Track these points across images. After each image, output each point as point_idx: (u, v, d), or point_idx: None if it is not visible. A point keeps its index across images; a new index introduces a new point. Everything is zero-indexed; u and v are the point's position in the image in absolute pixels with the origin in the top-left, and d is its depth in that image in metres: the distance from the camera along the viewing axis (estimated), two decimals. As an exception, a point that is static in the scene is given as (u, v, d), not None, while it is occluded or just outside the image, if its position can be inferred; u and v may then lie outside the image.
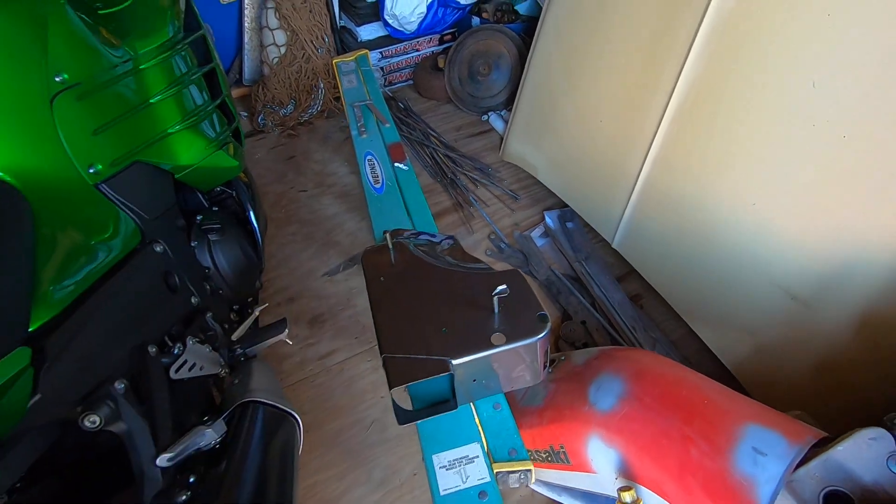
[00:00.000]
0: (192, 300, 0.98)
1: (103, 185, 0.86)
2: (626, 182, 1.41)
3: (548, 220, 1.84)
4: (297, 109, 2.47)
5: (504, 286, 0.70)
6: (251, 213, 1.27)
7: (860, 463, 0.68)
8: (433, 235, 0.94)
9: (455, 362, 0.66)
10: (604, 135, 1.47)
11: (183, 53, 1.12)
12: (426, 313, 0.73)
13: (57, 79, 0.81)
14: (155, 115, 1.04)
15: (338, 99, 2.54)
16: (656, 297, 1.53)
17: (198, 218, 1.14)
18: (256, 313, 1.16)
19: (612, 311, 1.51)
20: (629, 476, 0.83)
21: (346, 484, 1.22)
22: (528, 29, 2.45)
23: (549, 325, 0.70)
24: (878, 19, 0.86)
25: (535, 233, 1.82)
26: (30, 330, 0.58)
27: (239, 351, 1.02)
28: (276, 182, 2.17)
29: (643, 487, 0.81)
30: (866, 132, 0.90)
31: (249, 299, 1.27)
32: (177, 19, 1.15)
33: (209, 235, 1.12)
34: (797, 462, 0.72)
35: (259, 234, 1.28)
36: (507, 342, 0.68)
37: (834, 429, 0.75)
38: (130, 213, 0.90)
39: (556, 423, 0.94)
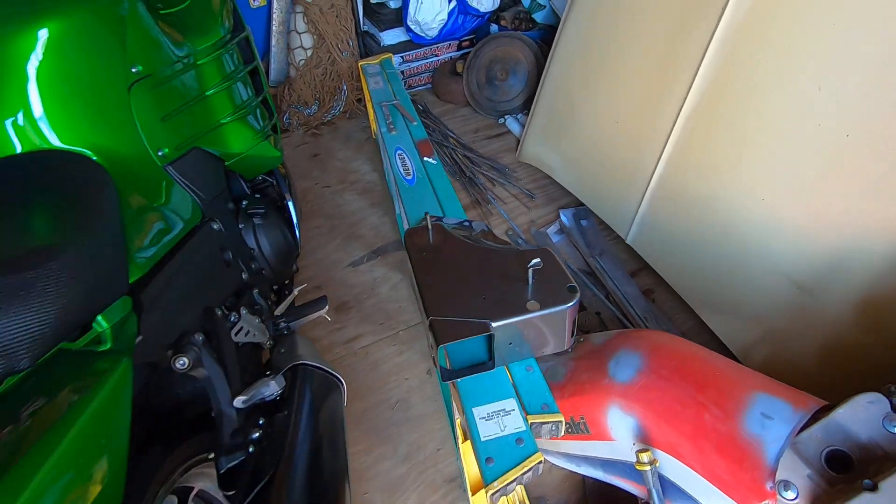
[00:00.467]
0: (243, 276, 1.06)
1: (169, 166, 0.96)
2: (642, 180, 1.49)
3: (563, 217, 1.92)
4: (321, 110, 2.57)
5: (538, 259, 0.78)
6: (290, 201, 1.36)
7: (858, 424, 0.75)
8: (468, 221, 1.02)
9: (495, 324, 0.74)
10: (620, 135, 1.56)
11: (232, 52, 1.22)
12: (466, 284, 0.81)
13: (133, 70, 0.91)
14: (210, 107, 1.13)
15: (360, 100, 2.64)
16: (667, 292, 1.60)
17: (243, 203, 1.23)
18: (296, 292, 1.24)
19: (625, 304, 1.58)
20: (646, 440, 0.90)
21: (373, 458, 1.29)
22: (544, 37, 2.55)
23: (578, 295, 0.78)
24: (878, 30, 0.94)
25: (551, 230, 1.90)
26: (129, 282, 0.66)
27: (283, 324, 1.10)
28: (301, 178, 2.26)
29: (659, 450, 0.88)
30: (867, 132, 0.98)
31: (286, 282, 1.36)
32: (227, 20, 1.25)
33: (254, 219, 1.21)
34: (801, 426, 0.79)
35: (296, 220, 1.37)
36: (541, 309, 0.76)
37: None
38: (192, 193, 0.99)
39: (577, 396, 1.01)
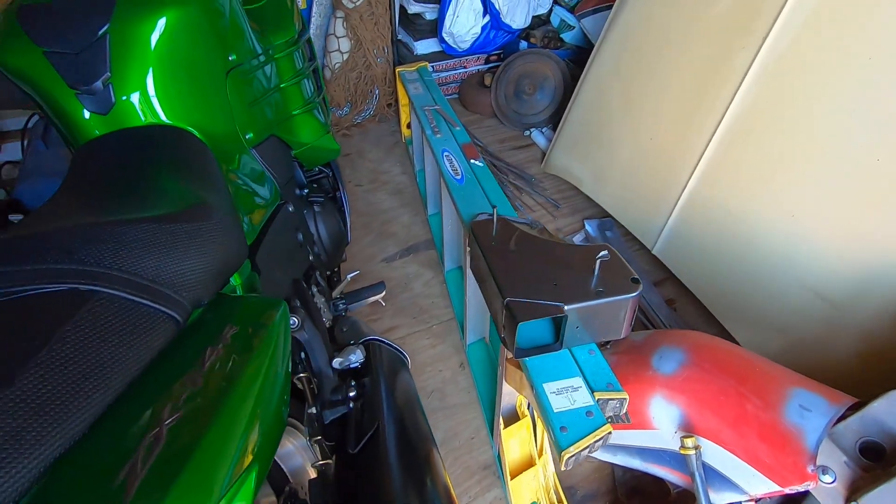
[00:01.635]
0: (310, 257, 1.13)
1: (254, 149, 1.03)
2: (672, 194, 1.58)
3: (588, 228, 2.00)
4: (353, 112, 2.65)
5: (605, 252, 0.86)
6: (343, 192, 1.43)
7: (892, 417, 0.82)
8: (526, 219, 1.10)
9: (568, 307, 0.80)
10: (654, 151, 1.65)
11: (302, 50, 1.30)
12: (536, 271, 0.88)
13: (230, 58, 0.98)
14: (285, 99, 1.21)
15: (390, 105, 2.73)
16: (689, 302, 1.68)
17: (304, 191, 1.30)
18: (348, 278, 1.31)
19: (649, 310, 1.66)
20: (688, 428, 0.97)
21: (411, 441, 1.34)
22: (572, 56, 2.66)
23: (641, 286, 0.85)
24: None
25: (577, 238, 1.98)
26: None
27: (342, 305, 1.17)
28: (334, 176, 2.33)
29: (701, 438, 0.95)
30: (893, 157, 1.07)
31: (336, 269, 1.42)
32: (298, 20, 1.34)
33: (314, 206, 1.28)
34: (837, 418, 0.86)
35: (347, 211, 1.44)
36: (608, 296, 0.83)
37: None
38: (271, 175, 1.06)
39: (620, 386, 1.08)
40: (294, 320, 0.71)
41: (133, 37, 0.82)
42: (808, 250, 1.25)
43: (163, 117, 0.85)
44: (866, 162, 1.12)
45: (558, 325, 0.85)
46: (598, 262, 0.85)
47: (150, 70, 0.83)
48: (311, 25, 2.69)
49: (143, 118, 0.84)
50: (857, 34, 1.11)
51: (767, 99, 1.29)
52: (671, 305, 1.72)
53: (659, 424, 1.01)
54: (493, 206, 0.97)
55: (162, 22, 0.85)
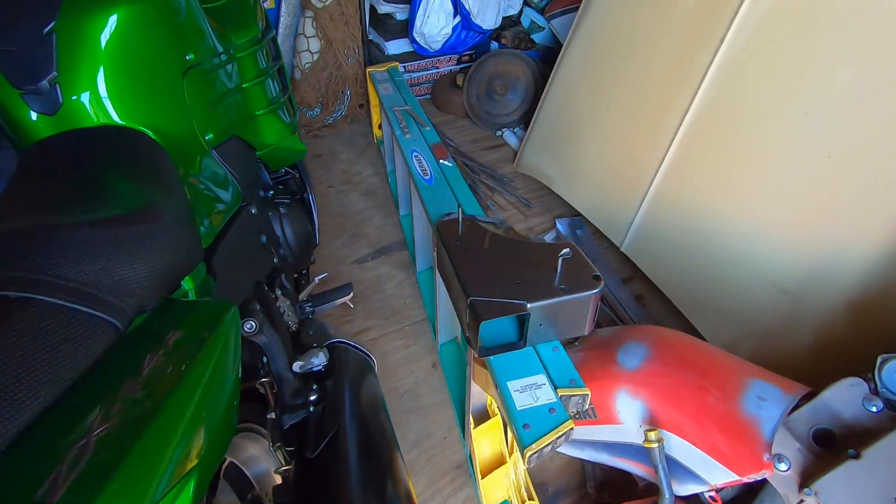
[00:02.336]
0: (274, 259, 1.11)
1: (214, 150, 1.01)
2: (639, 192, 1.61)
3: (559, 226, 2.03)
4: (324, 112, 2.62)
5: (567, 249, 0.87)
6: (310, 193, 1.42)
7: (842, 404, 0.86)
8: (492, 218, 1.10)
9: (531, 305, 0.81)
10: (621, 149, 1.67)
11: (265, 49, 1.28)
12: (500, 269, 0.89)
13: (187, 57, 0.96)
14: (247, 99, 1.19)
15: (362, 106, 2.71)
16: (657, 298, 1.71)
17: (269, 192, 1.28)
18: (316, 280, 1.29)
19: (618, 306, 1.69)
20: (652, 422, 0.99)
21: (383, 443, 1.33)
22: (543, 56, 2.69)
23: (602, 283, 0.87)
24: (860, 67, 1.08)
25: (548, 237, 2.00)
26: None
27: (308, 308, 1.15)
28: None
29: (665, 431, 0.96)
30: (846, 154, 1.11)
31: (304, 271, 1.40)
32: (261, 19, 1.32)
33: (280, 208, 1.26)
34: (791, 407, 0.89)
35: (315, 212, 1.42)
36: (571, 293, 0.84)
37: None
38: (233, 177, 1.04)
39: (587, 382, 1.09)
40: (252, 324, 0.70)
41: (81, 35, 0.80)
42: (769, 245, 1.29)
43: (115, 118, 0.83)
44: (819, 159, 1.16)
45: (522, 323, 0.85)
46: (560, 260, 0.86)
47: (101, 69, 0.81)
48: (281, 25, 2.65)
49: (94, 119, 0.81)
50: (809, 34, 1.15)
51: (726, 98, 1.33)
52: (640, 302, 1.75)
53: (624, 419, 1.03)
54: (459, 206, 0.97)
55: (113, 19, 0.83)
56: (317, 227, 1.41)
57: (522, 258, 0.92)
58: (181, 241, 0.58)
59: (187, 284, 0.62)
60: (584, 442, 1.16)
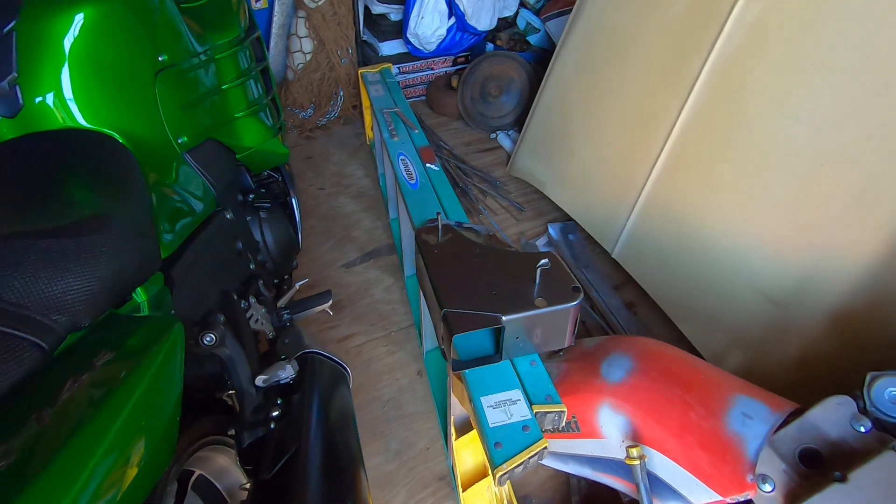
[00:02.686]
0: (250, 265, 1.09)
1: (187, 154, 0.98)
2: (630, 198, 1.58)
3: (551, 231, 2.00)
4: (317, 114, 2.60)
5: (546, 260, 0.84)
6: (293, 197, 1.39)
7: (829, 424, 0.83)
8: (474, 225, 1.07)
9: (505, 318, 0.78)
10: (612, 155, 1.65)
11: (247, 50, 1.26)
12: (477, 280, 0.86)
13: (160, 58, 0.94)
14: (226, 101, 1.17)
15: (355, 107, 2.69)
16: (648, 306, 1.68)
17: (250, 196, 1.26)
18: (297, 286, 1.27)
19: (609, 314, 1.66)
20: (635, 438, 0.96)
21: (365, 453, 1.27)
22: (538, 58, 2.66)
23: (581, 295, 0.84)
24: (851, 75, 1.05)
25: (540, 242, 1.97)
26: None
27: (286, 316, 1.12)
28: (295, 179, 2.27)
29: (647, 447, 0.93)
30: (838, 163, 1.08)
31: (285, 277, 1.38)
32: (243, 19, 1.29)
33: (260, 212, 1.24)
34: (777, 425, 0.86)
35: (298, 217, 1.39)
36: (549, 306, 0.81)
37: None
38: (207, 181, 1.01)
39: (570, 395, 1.07)
40: (211, 337, 0.67)
41: (43, 35, 0.78)
42: (758, 253, 1.26)
43: (81, 120, 0.80)
44: (810, 167, 1.13)
45: (498, 336, 0.83)
46: (538, 270, 0.83)
47: (64, 70, 0.79)
48: (274, 25, 2.63)
49: (58, 121, 0.79)
50: (800, 40, 1.13)
51: (717, 103, 1.30)
52: (631, 309, 1.72)
53: (607, 433, 1.00)
54: (437, 213, 0.94)
55: (78, 18, 0.81)
56: (300, 231, 1.38)
57: (501, 268, 0.89)
58: (130, 252, 0.55)
59: (140, 296, 0.59)
60: (567, 455, 1.13)
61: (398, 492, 1.24)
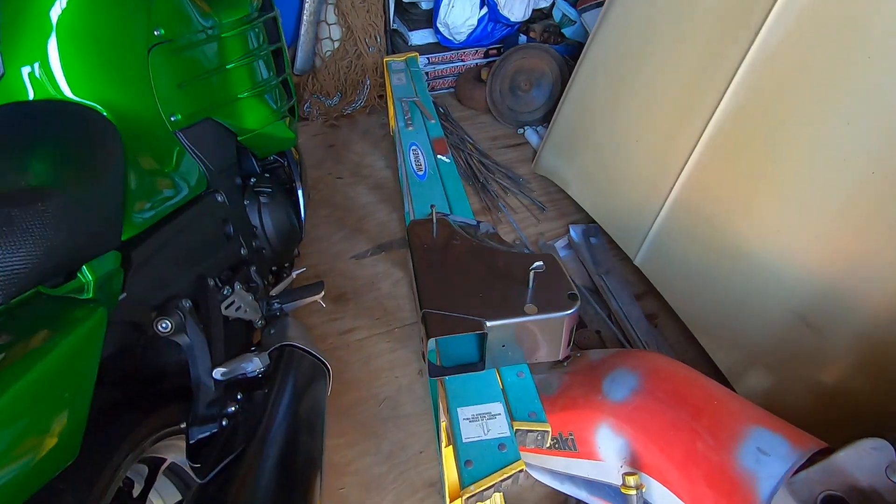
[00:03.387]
0: (241, 251, 1.05)
1: (180, 132, 0.95)
2: (656, 202, 1.47)
3: (572, 233, 1.90)
4: (342, 102, 2.57)
5: (541, 262, 0.76)
6: (299, 184, 1.35)
7: (860, 470, 0.72)
8: (476, 221, 1.00)
9: (489, 324, 0.71)
10: (639, 155, 1.53)
11: (257, 30, 1.22)
12: (465, 280, 0.79)
13: (156, 32, 0.90)
14: (229, 80, 1.13)
15: (382, 97, 2.65)
16: (671, 319, 1.57)
17: (251, 181, 1.22)
18: (294, 275, 1.23)
19: (626, 325, 1.55)
20: (634, 464, 0.87)
21: (355, 452, 1.26)
22: (572, 51, 2.54)
23: (578, 303, 0.76)
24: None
25: (559, 244, 1.88)
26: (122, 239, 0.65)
27: (276, 305, 1.09)
28: (314, 167, 2.26)
29: (647, 475, 0.84)
30: (893, 170, 0.95)
31: (286, 264, 1.34)
32: (258, -1, 1.25)
33: (260, 197, 1.20)
34: (798, 466, 0.75)
35: (303, 205, 1.35)
36: (538, 313, 0.73)
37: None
38: (199, 162, 0.98)
39: (568, 410, 0.98)
40: (167, 324, 0.63)
41: (28, 2, 0.75)
42: (795, 270, 1.13)
43: (66, 91, 0.78)
44: (861, 175, 1.00)
45: (483, 343, 0.76)
46: (531, 273, 0.75)
47: (49, 40, 0.76)
48: (305, 11, 2.62)
49: (40, 91, 0.77)
50: (857, 32, 0.99)
51: (757, 102, 1.17)
52: (652, 321, 1.61)
53: (605, 456, 0.92)
54: (432, 206, 0.88)
55: (66, -12, 0.78)
56: (303, 219, 1.34)
57: (493, 269, 0.82)
58: (70, 229, 0.51)
59: (88, 276, 0.55)
60: (563, 475, 1.05)
61: (385, 495, 1.19)
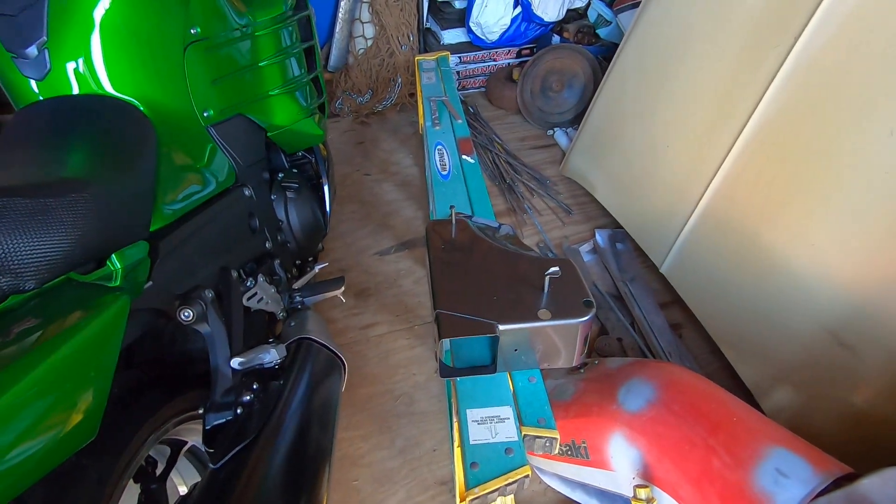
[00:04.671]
0: (266, 244, 1.08)
1: (212, 128, 0.98)
2: (685, 209, 1.43)
3: (598, 237, 1.87)
4: (373, 99, 2.60)
5: (557, 268, 0.75)
6: (325, 180, 1.38)
7: (885, 499, 0.68)
8: (496, 223, 1.00)
9: (502, 327, 0.71)
10: (669, 161, 1.50)
11: (290, 28, 1.24)
12: (480, 282, 0.79)
13: (192, 31, 0.94)
14: (261, 77, 1.16)
15: (412, 95, 2.66)
16: (696, 330, 1.53)
17: (279, 175, 1.25)
18: (316, 269, 1.25)
19: (650, 334, 1.52)
20: (647, 476, 0.85)
21: (369, 446, 1.28)
22: (606, 53, 2.50)
23: (593, 310, 0.75)
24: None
25: (584, 248, 1.85)
26: (150, 230, 0.68)
27: (298, 299, 1.11)
28: (343, 163, 2.29)
29: (659, 489, 0.83)
30: (942, 186, 0.90)
31: (310, 258, 1.37)
32: (291, -5, 1.28)
33: (287, 192, 1.23)
34: (819, 490, 0.72)
35: (329, 200, 1.38)
36: (552, 319, 0.73)
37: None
38: (229, 157, 1.01)
39: (582, 417, 0.98)
40: (188, 313, 0.66)
41: (74, 1, 0.79)
42: (830, 286, 1.08)
43: (106, 86, 0.82)
44: (905, 189, 0.95)
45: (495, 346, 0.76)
46: (547, 279, 0.75)
47: (92, 38, 0.80)
48: (340, 9, 2.66)
49: (82, 86, 0.81)
50: (907, 37, 0.94)
51: (795, 109, 1.13)
52: (676, 331, 1.57)
53: (617, 466, 0.90)
54: (451, 207, 0.88)
55: (112, -16, 0.81)
56: (328, 214, 1.37)
57: (509, 272, 0.82)
58: (102, 220, 0.54)
59: (117, 263, 0.58)
60: (574, 482, 1.04)
61: (397, 490, 1.21)
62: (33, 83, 0.80)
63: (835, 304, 1.07)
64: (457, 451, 1.08)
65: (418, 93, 2.32)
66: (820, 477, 0.73)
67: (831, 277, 1.07)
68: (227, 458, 0.59)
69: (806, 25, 1.08)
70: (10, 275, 0.43)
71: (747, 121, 1.23)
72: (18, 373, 0.37)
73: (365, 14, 2.49)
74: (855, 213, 1.03)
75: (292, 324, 1.02)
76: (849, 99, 1.03)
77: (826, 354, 1.08)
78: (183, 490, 0.90)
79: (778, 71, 1.15)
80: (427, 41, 2.68)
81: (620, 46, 1.75)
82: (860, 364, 1.01)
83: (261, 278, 0.98)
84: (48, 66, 0.79)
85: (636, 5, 2.24)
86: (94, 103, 0.79)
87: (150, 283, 0.63)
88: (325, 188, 1.38)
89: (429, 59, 2.18)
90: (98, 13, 0.81)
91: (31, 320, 0.42)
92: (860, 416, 0.99)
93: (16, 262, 0.44)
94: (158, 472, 0.81)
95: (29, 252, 0.45)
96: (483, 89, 2.82)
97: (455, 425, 1.08)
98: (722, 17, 1.32)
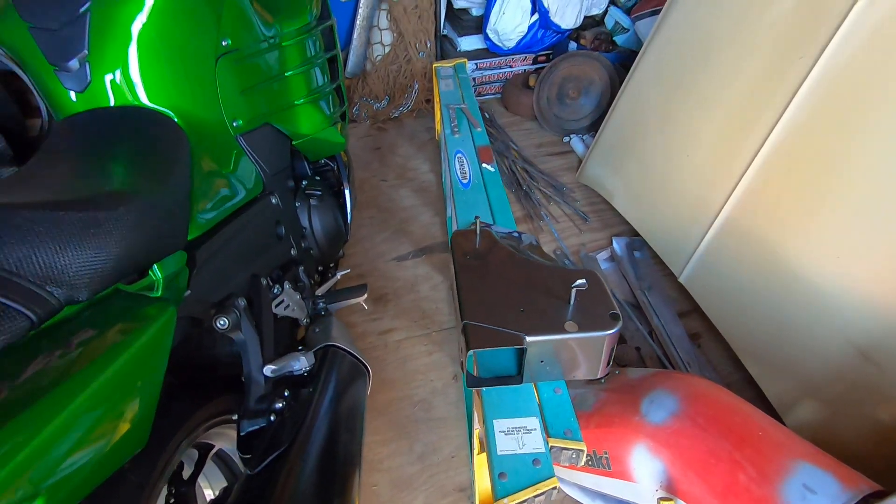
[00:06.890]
0: (291, 251, 1.10)
1: (241, 137, 1.00)
2: (706, 218, 1.42)
3: (616, 245, 1.86)
4: (390, 105, 2.63)
5: (583, 280, 0.76)
6: (347, 187, 1.40)
7: (917, 518, 0.68)
8: (517, 232, 1.01)
9: (529, 339, 0.72)
10: (691, 169, 1.49)
11: (316, 38, 1.27)
12: (506, 293, 0.80)
13: (223, 43, 0.96)
14: (287, 87, 1.18)
15: (429, 101, 2.68)
16: (715, 340, 1.52)
17: (303, 183, 1.27)
18: (338, 276, 1.27)
19: (668, 343, 1.51)
20: (670, 489, 0.85)
21: (388, 450, 1.29)
22: (623, 60, 2.49)
23: (620, 323, 0.75)
24: None
25: (601, 256, 1.85)
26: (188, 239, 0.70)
27: (321, 305, 1.13)
28: (360, 169, 2.31)
29: (683, 502, 0.83)
30: (973, 200, 0.89)
31: (331, 265, 1.39)
32: (315, 7, 1.30)
33: (310, 199, 1.25)
34: (848, 507, 0.72)
35: (350, 207, 1.40)
36: (579, 331, 0.73)
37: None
38: (257, 165, 1.03)
39: (604, 428, 0.98)
40: (224, 321, 0.68)
41: (114, 16, 0.82)
42: (855, 299, 1.07)
43: (143, 98, 0.84)
44: (934, 202, 0.94)
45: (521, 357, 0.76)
46: (573, 291, 0.75)
47: (130, 51, 0.82)
48: (359, 16, 2.69)
49: (120, 98, 0.83)
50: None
51: (821, 118, 1.12)
52: (695, 341, 1.56)
53: (639, 477, 0.90)
54: (476, 217, 0.89)
55: (148, 2, 0.84)
56: (349, 221, 1.38)
57: (535, 283, 0.82)
58: (146, 231, 0.56)
59: (158, 273, 0.60)
60: (594, 492, 1.04)
61: (416, 496, 1.22)
62: (73, 94, 0.82)
63: (861, 319, 1.06)
64: (476, 459, 1.08)
65: (435, 99, 2.34)
66: (848, 494, 0.73)
67: (857, 291, 1.06)
68: (263, 464, 0.61)
69: (833, 36, 1.07)
70: (66, 286, 0.45)
71: (771, 131, 1.22)
72: (76, 386, 0.38)
73: (383, 21, 2.51)
74: (881, 227, 1.02)
75: (316, 330, 1.03)
76: (877, 110, 1.02)
77: (852, 370, 1.07)
78: (209, 493, 0.92)
79: (803, 81, 1.14)
80: (444, 48, 2.70)
81: (640, 54, 1.75)
82: (888, 381, 1.00)
83: (287, 285, 0.99)
84: (88, 78, 0.81)
85: (655, 13, 2.24)
86: (131, 115, 0.81)
87: (189, 291, 0.65)
88: (347, 195, 1.40)
89: (446, 66, 2.20)
90: (136, 27, 0.83)
91: (88, 331, 0.44)
92: (887, 433, 0.98)
93: (70, 274, 0.46)
94: (186, 475, 0.83)
95: (82, 264, 0.47)
96: (499, 96, 2.83)
97: (475, 433, 1.09)
98: (746, 26, 1.32)
